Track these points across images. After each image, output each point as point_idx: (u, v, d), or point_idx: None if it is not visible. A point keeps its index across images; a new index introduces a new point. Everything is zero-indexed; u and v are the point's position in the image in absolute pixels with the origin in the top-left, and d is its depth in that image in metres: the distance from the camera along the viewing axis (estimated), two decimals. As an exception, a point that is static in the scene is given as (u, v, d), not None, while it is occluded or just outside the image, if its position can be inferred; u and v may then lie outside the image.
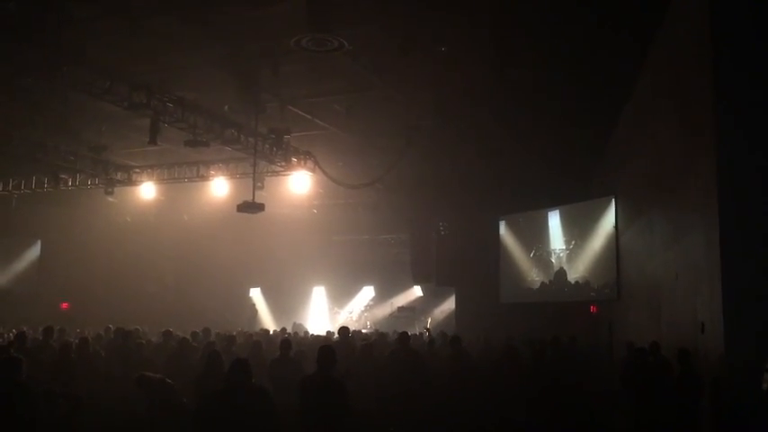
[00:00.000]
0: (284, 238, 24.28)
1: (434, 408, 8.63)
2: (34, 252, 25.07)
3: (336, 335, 12.30)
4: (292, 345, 10.08)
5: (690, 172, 8.38)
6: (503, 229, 19.01)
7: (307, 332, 18.80)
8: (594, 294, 15.88)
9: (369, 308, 27.04)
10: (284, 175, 17.41)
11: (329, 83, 12.58)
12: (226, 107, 13.97)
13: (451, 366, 9.78)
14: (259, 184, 16.10)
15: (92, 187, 19.45)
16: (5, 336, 13.63)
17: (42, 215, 22.65)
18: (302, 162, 16.85)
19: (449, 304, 23.44)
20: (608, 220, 15.00)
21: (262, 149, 15.34)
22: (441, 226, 20.63)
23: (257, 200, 14.97)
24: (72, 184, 19.21)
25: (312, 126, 15.08)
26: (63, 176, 18.76)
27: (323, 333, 17.21)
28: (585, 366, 11.02)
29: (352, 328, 16.40)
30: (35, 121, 14.81)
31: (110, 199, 20.03)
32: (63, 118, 14.33)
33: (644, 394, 7.54)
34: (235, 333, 13.99)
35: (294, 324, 22.62)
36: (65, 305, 23.46)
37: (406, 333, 10.33)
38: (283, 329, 16.25)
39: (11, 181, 19.92)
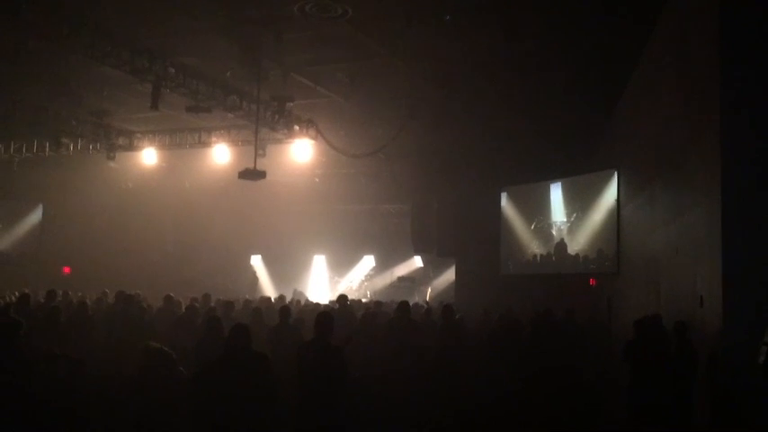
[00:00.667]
0: (286, 207, 24.31)
1: (428, 378, 8.71)
2: (36, 216, 25.08)
3: (336, 303, 12.38)
4: (291, 312, 10.15)
5: (693, 147, 8.35)
6: (504, 201, 18.99)
7: (307, 299, 18.90)
8: (594, 267, 15.91)
9: (369, 277, 27.15)
10: (286, 143, 17.38)
11: (333, 51, 12.48)
12: (228, 73, 13.89)
13: (443, 338, 9.82)
14: (261, 151, 16.06)
15: (93, 152, 19.42)
16: (8, 298, 13.70)
17: (44, 179, 22.64)
18: (304, 130, 16.80)
19: (449, 275, 23.51)
20: (610, 194, 14.97)
21: (264, 117, 15.29)
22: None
23: (259, 167, 14.95)
24: (73, 149, 19.17)
25: (315, 94, 15.00)
26: (64, 141, 18.68)
27: (323, 302, 17.33)
28: (581, 341, 11.07)
29: (352, 297, 16.53)
30: (36, 85, 14.74)
31: (111, 164, 19.99)
32: (64, 82, 14.26)
33: (641, 366, 7.59)
34: (235, 300, 14.08)
35: (294, 291, 22.74)
36: (67, 269, 23.58)
37: (407, 302, 10.37)
38: (282, 297, 16.30)
39: (12, 144, 19.87)
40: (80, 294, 15.12)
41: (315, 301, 17.73)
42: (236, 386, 5.25)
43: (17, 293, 13.89)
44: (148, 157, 19.31)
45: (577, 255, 16.41)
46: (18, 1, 10.35)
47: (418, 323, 10.29)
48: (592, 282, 17.39)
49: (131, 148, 19.26)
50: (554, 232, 17.38)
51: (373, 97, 14.80)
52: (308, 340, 6.41)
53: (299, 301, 17.44)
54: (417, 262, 25.79)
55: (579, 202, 16.47)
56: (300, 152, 17.45)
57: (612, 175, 14.85)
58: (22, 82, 14.58)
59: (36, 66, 13.24)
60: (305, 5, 10.04)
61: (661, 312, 9.39)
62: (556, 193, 17.33)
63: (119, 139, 19.02)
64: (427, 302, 19.27)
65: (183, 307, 11.92)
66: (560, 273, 17.12)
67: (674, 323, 7.83)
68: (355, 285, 26.83)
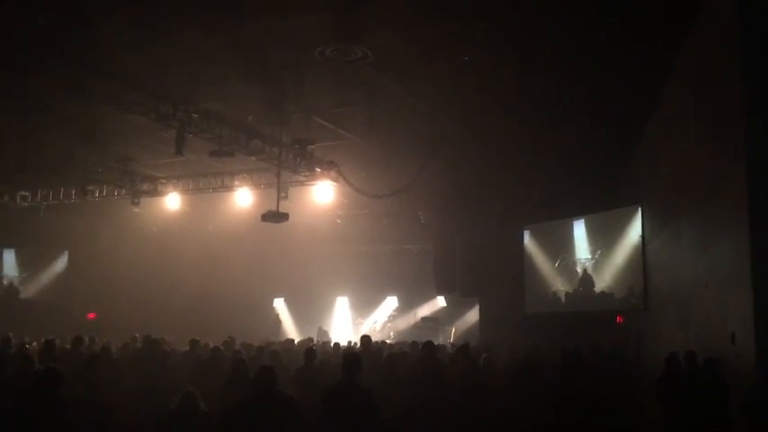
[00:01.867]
0: (308, 248, 24.36)
1: (454, 418, 8.57)
2: (62, 263, 25.35)
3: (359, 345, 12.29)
4: (316, 354, 10.09)
5: (719, 180, 8.29)
6: (527, 239, 18.90)
7: (330, 341, 18.81)
8: (621, 304, 15.71)
9: (392, 318, 26.98)
10: (308, 184, 17.49)
11: (353, 93, 12.61)
12: (250, 118, 14.08)
13: (465, 378, 9.71)
14: (283, 194, 16.18)
15: (118, 198, 19.69)
16: (33, 345, 13.75)
17: (70, 226, 22.93)
18: (326, 172, 16.90)
19: (473, 314, 23.30)
20: (634, 230, 14.85)
21: (286, 159, 15.43)
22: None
23: (281, 210, 15.04)
24: (99, 195, 19.45)
25: (336, 136, 15.13)
26: (90, 187, 18.98)
27: (345, 343, 17.21)
28: (609, 379, 10.86)
29: (375, 338, 16.42)
30: (63, 133, 15.02)
31: (136, 210, 20.24)
32: (90, 130, 14.52)
33: (674, 403, 7.43)
34: (258, 344, 14.02)
35: (319, 330, 22.62)
36: (91, 315, 23.69)
37: (432, 342, 10.30)
38: (309, 339, 16.24)
39: (39, 192, 20.21)
40: (105, 340, 15.14)
41: (337, 343, 17.63)
42: (263, 428, 5.21)
43: (43, 340, 13.95)
44: (172, 201, 19.51)
45: (603, 292, 16.22)
46: (44, 52, 10.60)
47: (444, 363, 10.18)
48: (619, 319, 17.14)
49: (156, 193, 19.49)
50: (578, 269, 17.23)
51: (394, 138, 14.89)
52: (335, 381, 6.36)
53: (324, 342, 17.34)
54: (441, 302, 25.60)
55: (603, 239, 16.34)
56: (322, 194, 17.54)
57: (636, 210, 14.75)
58: (49, 130, 14.87)
59: (63, 115, 13.51)
60: (325, 49, 10.18)
61: (692, 349, 9.22)
62: (579, 230, 17.22)
63: (143, 185, 19.27)
64: (452, 344, 19.06)
65: (210, 350, 11.88)
66: (586, 310, 16.91)
67: (704, 360, 7.68)
68: (378, 326, 26.66)
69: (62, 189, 19.84)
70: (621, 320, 17.08)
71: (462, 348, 10.39)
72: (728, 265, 7.86)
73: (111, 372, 9.75)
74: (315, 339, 18.30)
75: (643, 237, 14.45)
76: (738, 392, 7.10)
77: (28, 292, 25.04)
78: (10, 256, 25.03)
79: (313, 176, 16.88)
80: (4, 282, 24.66)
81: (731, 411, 7.22)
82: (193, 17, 9.78)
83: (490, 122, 13.66)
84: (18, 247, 24.83)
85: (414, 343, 14.50)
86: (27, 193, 20.31)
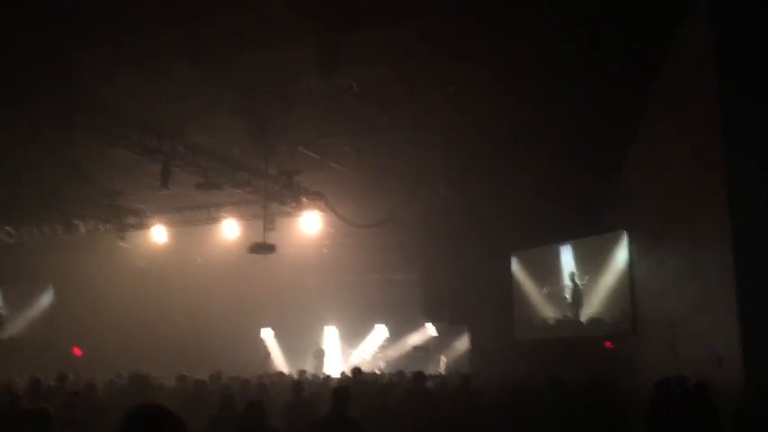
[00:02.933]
0: (295, 279, 24.24)
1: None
2: (47, 299, 25.11)
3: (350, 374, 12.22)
4: (305, 386, 10.02)
5: (702, 205, 8.37)
6: (515, 265, 18.94)
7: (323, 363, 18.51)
8: (609, 329, 15.73)
9: (382, 348, 26.83)
10: (295, 215, 17.49)
11: (339, 124, 12.70)
12: (236, 150, 14.11)
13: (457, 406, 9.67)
14: (270, 225, 16.16)
15: (104, 232, 19.58)
16: (18, 383, 13.56)
17: (55, 262, 22.74)
18: (313, 202, 16.93)
19: (463, 342, 23.24)
20: (621, 255, 14.93)
21: (272, 191, 15.44)
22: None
23: (268, 241, 15.01)
24: (84, 230, 19.33)
25: (322, 166, 15.17)
26: (75, 222, 18.87)
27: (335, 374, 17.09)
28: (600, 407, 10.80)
29: (365, 368, 16.31)
30: (47, 168, 14.96)
31: (122, 244, 20.13)
32: (75, 164, 14.48)
33: (665, 424, 7.42)
34: (248, 377, 13.90)
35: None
36: (77, 350, 23.42)
37: (422, 372, 10.27)
38: (302, 372, 16.11)
39: (24, 227, 20.06)
40: (90, 377, 14.96)
41: (327, 374, 17.50)
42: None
43: (27, 377, 13.77)
44: (158, 234, 19.44)
45: (591, 317, 16.25)
46: (28, 85, 10.61)
47: (434, 393, 10.14)
48: (607, 344, 17.14)
49: (142, 226, 19.40)
50: (567, 295, 17.26)
51: (380, 167, 14.96)
52: (324, 415, 6.31)
53: (314, 375, 17.15)
54: (431, 330, 25.50)
55: (590, 264, 16.41)
56: (309, 224, 17.54)
57: (622, 235, 14.84)
58: (33, 164, 14.80)
59: (48, 149, 13.48)
60: (310, 81, 10.27)
61: (680, 373, 9.23)
62: (566, 256, 17.28)
63: (129, 218, 19.17)
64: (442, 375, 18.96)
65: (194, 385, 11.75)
66: (575, 336, 16.91)
67: (693, 384, 7.70)
68: (368, 356, 26.49)
69: (47, 224, 19.70)
70: (611, 345, 17.09)
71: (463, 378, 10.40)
72: (714, 289, 7.91)
73: (94, 411, 9.62)
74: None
75: (630, 261, 14.53)
76: (726, 416, 7.11)
77: (13, 329, 24.76)
78: (-5, 293, 24.80)
79: (300, 207, 16.89)
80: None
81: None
82: (179, 51, 9.85)
83: (475, 151, 13.78)
84: (3, 284, 24.60)
85: (401, 372, 14.41)
86: (11, 229, 20.14)
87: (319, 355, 26.05)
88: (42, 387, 10.95)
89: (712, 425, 7.25)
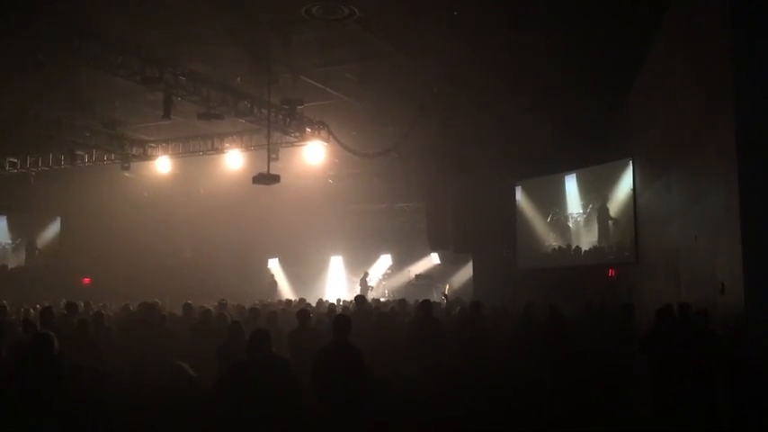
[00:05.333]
0: (300, 209, 24.33)
1: (454, 374, 8.63)
2: (54, 228, 25.32)
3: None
4: (310, 315, 10.14)
5: (708, 133, 8.28)
6: (519, 195, 18.90)
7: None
8: (613, 258, 15.81)
9: (387, 276, 27.10)
10: (299, 145, 17.41)
11: (341, 52, 12.49)
12: (238, 79, 13.94)
13: (465, 332, 9.75)
14: (274, 155, 16.10)
15: (108, 163, 19.59)
16: (30, 311, 13.78)
17: (61, 192, 22.86)
18: (316, 132, 16.83)
19: (467, 271, 23.43)
20: (625, 183, 14.86)
21: (275, 121, 15.33)
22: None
23: (272, 171, 14.99)
24: (88, 161, 19.34)
25: (325, 96, 15.01)
26: (79, 153, 18.85)
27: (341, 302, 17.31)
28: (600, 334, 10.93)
29: (370, 296, 16.50)
30: (49, 98, 14.84)
31: (126, 174, 20.15)
32: (76, 93, 14.35)
33: (661, 357, 7.51)
34: (255, 304, 14.08)
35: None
36: (86, 280, 23.76)
37: (428, 301, 10.31)
38: (302, 300, 16.30)
39: (28, 158, 20.06)
40: (100, 305, 15.20)
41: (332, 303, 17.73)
42: (257, 392, 5.25)
43: (38, 306, 13.98)
44: (163, 165, 19.42)
45: (595, 246, 16.31)
46: (28, 14, 10.42)
47: (440, 321, 10.23)
48: (611, 272, 17.27)
49: (145, 157, 19.38)
50: (570, 224, 17.29)
51: (383, 96, 14.78)
52: (326, 344, 6.40)
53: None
54: (435, 259, 25.70)
55: (595, 193, 16.37)
56: (313, 154, 17.48)
57: (627, 164, 14.74)
58: (34, 95, 14.69)
59: (48, 78, 13.33)
60: (311, 8, 10.05)
61: (682, 300, 9.31)
62: (571, 185, 17.23)
63: (132, 149, 19.13)
64: (445, 296, 19.20)
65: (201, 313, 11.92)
66: (579, 264, 17.01)
67: (694, 311, 7.76)
68: (373, 284, 26.78)
69: (51, 155, 19.69)
70: (614, 274, 17.21)
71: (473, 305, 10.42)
72: (718, 216, 7.90)
73: (105, 337, 9.79)
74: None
75: (634, 190, 14.48)
76: (726, 342, 7.20)
77: (22, 258, 25.07)
78: (1, 223, 24.99)
79: (303, 137, 16.80)
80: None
81: (719, 360, 7.31)
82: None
83: (479, 79, 13.57)
84: (9, 214, 24.77)
85: (402, 300, 14.50)
86: (16, 160, 20.14)
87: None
88: (54, 316, 11.13)
89: (711, 352, 7.33)
